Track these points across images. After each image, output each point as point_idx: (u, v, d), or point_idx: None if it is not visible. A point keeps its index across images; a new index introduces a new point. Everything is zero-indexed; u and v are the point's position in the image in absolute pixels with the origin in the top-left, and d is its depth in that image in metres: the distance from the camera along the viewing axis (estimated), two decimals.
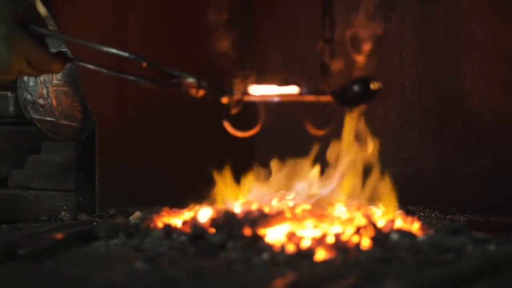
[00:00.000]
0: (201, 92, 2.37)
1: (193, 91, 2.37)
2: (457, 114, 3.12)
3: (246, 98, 2.42)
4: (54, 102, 3.33)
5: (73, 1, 3.12)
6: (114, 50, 2.40)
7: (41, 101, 3.35)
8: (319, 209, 2.57)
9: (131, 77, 2.40)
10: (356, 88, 2.25)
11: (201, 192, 2.74)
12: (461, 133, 3.13)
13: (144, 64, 2.35)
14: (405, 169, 2.91)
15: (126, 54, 2.38)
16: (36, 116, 3.37)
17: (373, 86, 2.25)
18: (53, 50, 2.51)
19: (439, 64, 3.14)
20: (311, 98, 2.36)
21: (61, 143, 3.38)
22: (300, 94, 2.37)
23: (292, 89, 2.39)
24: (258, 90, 2.44)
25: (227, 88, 2.40)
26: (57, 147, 3.39)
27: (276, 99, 2.40)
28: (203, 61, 3.51)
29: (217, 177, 2.76)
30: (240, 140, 2.67)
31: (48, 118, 3.35)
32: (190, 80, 2.36)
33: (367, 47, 2.52)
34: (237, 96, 2.40)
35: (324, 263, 2.11)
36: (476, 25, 3.04)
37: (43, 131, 3.39)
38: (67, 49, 2.97)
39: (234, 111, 2.40)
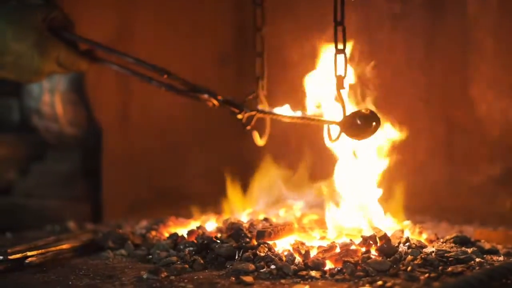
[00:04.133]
0: (216, 105, 2.46)
1: (209, 104, 2.46)
2: (465, 123, 3.11)
3: (259, 115, 2.49)
4: (59, 110, 3.32)
5: (81, 8, 3.12)
6: (137, 61, 2.50)
7: (46, 109, 3.33)
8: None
9: (154, 82, 2.49)
10: (358, 122, 2.31)
11: (208, 201, 2.73)
12: (469, 143, 3.11)
13: (165, 76, 2.46)
14: (413, 179, 2.90)
15: (149, 66, 2.48)
16: (41, 124, 3.36)
17: (375, 124, 2.32)
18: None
19: (447, 73, 3.13)
20: (319, 123, 2.42)
21: (66, 151, 3.36)
22: (310, 118, 2.44)
23: (304, 114, 2.48)
24: (271, 110, 2.52)
25: (241, 104, 2.47)
26: (62, 156, 3.37)
27: (287, 120, 2.46)
28: (206, 69, 3.53)
29: (224, 186, 2.76)
30: (246, 149, 2.67)
31: (53, 126, 3.34)
32: (207, 95, 2.46)
33: (375, 57, 2.53)
34: (250, 112, 2.47)
35: (332, 274, 2.10)
36: (484, 34, 3.03)
37: (48, 139, 3.37)
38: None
39: (248, 127, 2.48)
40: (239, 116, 2.48)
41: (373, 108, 2.42)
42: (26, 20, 2.43)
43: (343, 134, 2.35)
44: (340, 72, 2.32)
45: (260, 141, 2.58)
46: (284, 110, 2.48)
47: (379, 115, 2.35)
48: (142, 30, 3.34)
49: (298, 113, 2.47)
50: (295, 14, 3.34)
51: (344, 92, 2.33)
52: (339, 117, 2.35)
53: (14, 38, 2.40)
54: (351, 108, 2.41)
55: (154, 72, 2.48)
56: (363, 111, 2.34)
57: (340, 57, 2.31)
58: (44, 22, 2.45)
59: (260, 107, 2.55)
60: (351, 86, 2.49)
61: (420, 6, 3.17)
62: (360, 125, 2.32)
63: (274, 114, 2.49)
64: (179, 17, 3.46)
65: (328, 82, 2.44)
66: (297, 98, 2.62)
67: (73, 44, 2.54)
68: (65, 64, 2.49)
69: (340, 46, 2.31)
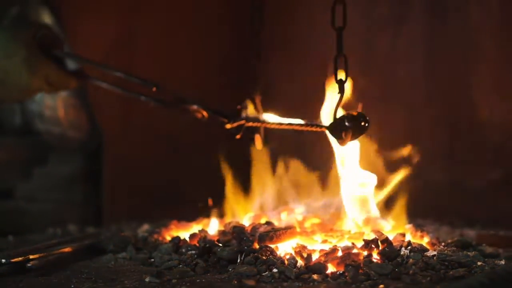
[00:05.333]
0: (206, 117, 2.51)
1: (198, 115, 2.51)
2: (467, 127, 3.12)
3: (248, 124, 2.50)
4: (61, 113, 3.32)
5: (82, 12, 3.13)
6: (128, 76, 2.54)
7: (48, 112, 3.34)
8: (328, 223, 2.56)
9: (142, 97, 2.54)
10: (347, 124, 2.34)
11: (210, 204, 2.73)
12: (470, 147, 3.12)
13: (154, 89, 2.50)
14: (415, 182, 2.90)
15: (138, 80, 2.52)
16: (43, 127, 3.36)
17: (363, 123, 2.33)
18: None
19: (449, 77, 3.14)
20: (308, 128, 2.44)
21: (67, 155, 3.37)
22: (299, 125, 2.47)
23: (293, 120, 2.49)
24: (261, 118, 2.55)
25: (230, 114, 2.48)
26: (64, 159, 3.38)
27: (276, 127, 2.50)
28: (207, 74, 3.54)
29: (225, 190, 2.76)
30: (248, 153, 2.67)
31: (55, 129, 3.34)
32: (196, 106, 2.49)
33: (377, 61, 2.54)
34: (238, 122, 2.50)
35: (334, 278, 2.10)
36: (486, 38, 3.04)
37: (50, 142, 3.37)
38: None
39: (238, 136, 2.50)
40: (228, 126, 2.50)
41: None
42: (15, 37, 2.44)
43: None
44: (341, 76, 2.33)
45: (260, 146, 2.60)
46: (274, 118, 2.50)
47: (373, 118, 2.36)
48: (143, 37, 3.35)
49: (287, 120, 2.48)
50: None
51: (343, 97, 2.33)
52: (328, 122, 2.37)
53: (3, 54, 2.41)
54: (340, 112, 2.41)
55: (143, 85, 2.50)
56: (351, 113, 2.35)
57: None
58: (34, 39, 2.46)
59: (254, 112, 2.56)
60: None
61: (422, 11, 3.18)
62: (348, 126, 2.33)
63: (263, 122, 2.50)
64: (180, 24, 3.47)
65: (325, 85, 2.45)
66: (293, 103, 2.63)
67: (62, 62, 2.55)
68: (54, 82, 2.50)
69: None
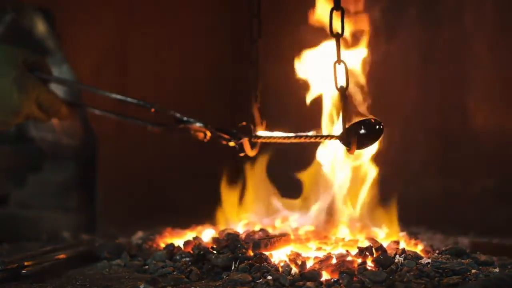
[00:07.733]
0: (208, 137, 2.46)
1: (200, 135, 2.45)
2: (461, 135, 3.12)
3: (253, 141, 2.48)
4: (55, 120, 3.32)
5: (75, 19, 3.13)
6: (123, 97, 2.49)
7: None
8: (322, 230, 2.57)
9: (139, 122, 2.48)
10: (360, 131, 2.28)
11: (204, 212, 2.73)
12: (464, 155, 3.12)
13: (153, 110, 2.43)
14: (408, 190, 2.91)
15: (135, 101, 2.46)
16: (37, 134, 3.36)
17: (377, 130, 2.28)
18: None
19: (443, 85, 3.14)
20: (318, 140, 2.41)
21: (62, 162, 3.37)
22: (307, 137, 2.42)
23: (301, 133, 2.44)
24: (267, 133, 2.51)
25: (234, 132, 2.46)
26: (58, 166, 3.37)
27: (284, 141, 2.44)
28: (203, 84, 3.54)
29: (219, 197, 2.76)
30: (243, 160, 2.67)
31: (49, 136, 3.34)
32: (198, 125, 2.43)
33: (371, 68, 2.54)
34: (243, 139, 2.47)
35: (329, 285, 2.10)
36: (480, 46, 3.05)
37: (44, 149, 3.37)
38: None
39: (242, 154, 2.47)
40: (232, 144, 2.47)
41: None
42: (5, 57, 2.41)
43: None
44: (341, 83, 2.29)
45: (251, 152, 2.55)
46: (279, 132, 2.47)
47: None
48: (138, 46, 3.36)
49: (295, 133, 2.45)
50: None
51: (346, 104, 2.31)
52: (338, 131, 2.34)
53: None
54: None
55: (140, 107, 2.45)
56: (367, 119, 2.31)
57: (340, 67, 2.29)
58: (24, 62, 2.43)
59: (254, 114, 2.54)
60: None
61: (416, 19, 3.19)
62: (363, 134, 2.28)
63: (269, 138, 2.47)
64: (176, 34, 3.47)
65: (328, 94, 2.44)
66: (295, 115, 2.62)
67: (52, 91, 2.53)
68: (45, 105, 2.46)
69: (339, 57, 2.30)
